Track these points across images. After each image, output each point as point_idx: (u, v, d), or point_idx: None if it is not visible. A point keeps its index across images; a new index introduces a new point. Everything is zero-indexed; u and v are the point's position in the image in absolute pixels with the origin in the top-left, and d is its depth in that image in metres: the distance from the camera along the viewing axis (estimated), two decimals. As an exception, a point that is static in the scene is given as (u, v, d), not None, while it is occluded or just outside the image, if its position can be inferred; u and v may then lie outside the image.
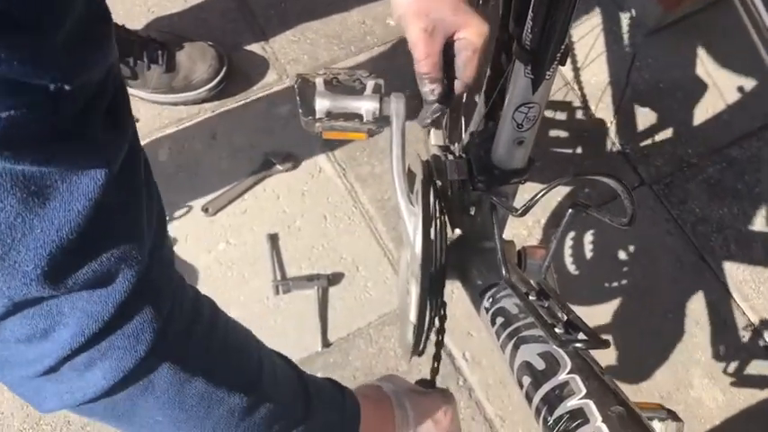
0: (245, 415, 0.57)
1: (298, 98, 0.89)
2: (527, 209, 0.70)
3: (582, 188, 1.51)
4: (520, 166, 0.87)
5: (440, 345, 0.97)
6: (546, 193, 0.68)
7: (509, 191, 0.91)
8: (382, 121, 0.90)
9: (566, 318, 0.65)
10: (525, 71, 0.75)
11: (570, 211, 0.72)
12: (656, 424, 0.70)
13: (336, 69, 0.93)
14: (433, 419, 0.81)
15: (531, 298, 0.73)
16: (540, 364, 0.62)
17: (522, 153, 0.85)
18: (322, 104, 0.88)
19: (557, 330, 0.63)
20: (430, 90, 0.87)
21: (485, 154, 0.90)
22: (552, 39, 0.70)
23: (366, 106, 0.89)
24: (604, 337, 0.74)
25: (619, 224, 0.66)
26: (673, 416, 0.71)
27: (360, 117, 0.89)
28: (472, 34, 0.84)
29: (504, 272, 0.78)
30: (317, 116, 0.88)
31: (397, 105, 0.90)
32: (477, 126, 0.96)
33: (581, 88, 1.64)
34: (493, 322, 0.77)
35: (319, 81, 0.89)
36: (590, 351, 0.63)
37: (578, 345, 0.58)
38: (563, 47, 0.72)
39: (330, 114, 0.89)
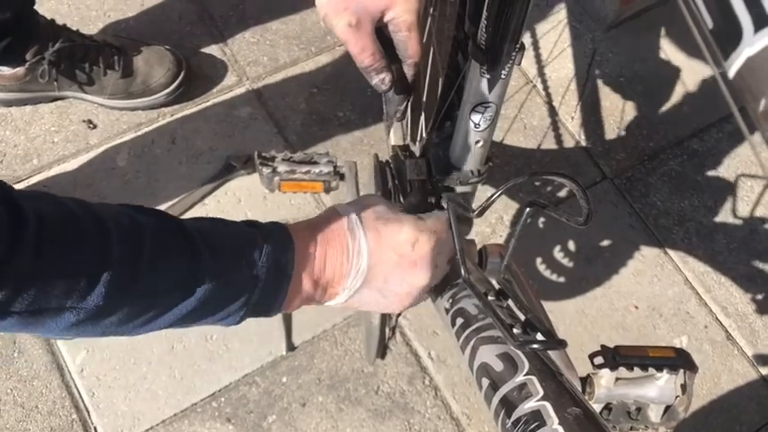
0: (86, 321, 0.51)
1: (257, 170, 0.98)
2: (483, 209, 0.70)
3: (547, 183, 1.52)
4: (478, 166, 0.87)
5: None
6: (501, 193, 0.67)
7: (468, 190, 0.91)
8: (336, 176, 0.98)
9: (524, 318, 0.65)
10: (481, 70, 0.74)
11: (528, 210, 0.72)
12: (665, 376, 0.69)
13: (292, 154, 1.03)
14: (396, 252, 0.66)
15: (489, 298, 0.73)
16: (498, 366, 0.62)
17: (480, 153, 0.85)
18: (281, 167, 0.94)
19: (515, 331, 0.63)
20: (380, 81, 0.85)
21: (443, 154, 0.90)
22: (507, 37, 0.70)
23: (321, 168, 0.98)
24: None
25: (576, 224, 0.66)
26: (685, 362, 0.69)
27: (317, 171, 0.98)
28: (401, 12, 0.80)
29: (463, 272, 0.77)
30: (276, 168, 0.95)
31: (349, 166, 1.00)
32: (436, 125, 0.95)
33: (544, 85, 1.64)
34: (453, 323, 0.76)
35: (278, 158, 0.97)
36: (548, 351, 0.63)
37: (535, 346, 0.57)
38: (518, 46, 0.72)
39: (287, 171, 0.98)
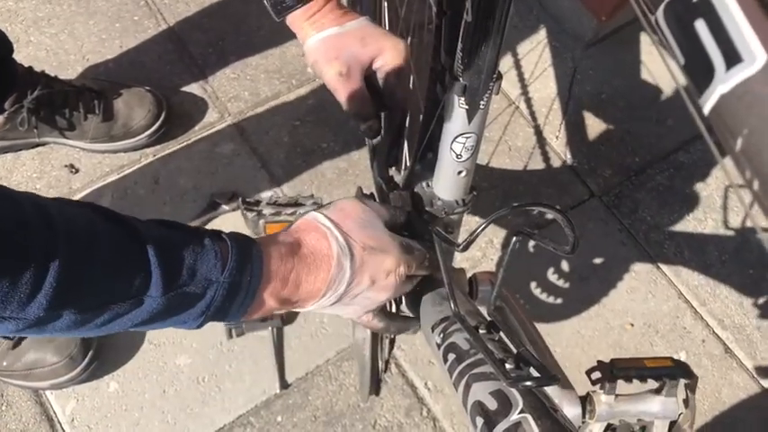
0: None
1: (242, 215, 0.97)
2: (468, 244, 0.69)
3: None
4: (463, 196, 0.86)
5: None
6: (485, 227, 0.67)
7: (454, 220, 0.90)
8: None
9: (516, 351, 0.64)
10: (459, 102, 0.74)
11: (514, 239, 0.71)
12: (666, 390, 0.68)
13: (277, 197, 1.02)
14: (372, 278, 0.66)
15: (481, 331, 0.72)
16: (491, 404, 0.60)
17: (463, 182, 0.84)
18: (266, 210, 0.94)
19: (507, 366, 0.62)
20: (367, 128, 0.87)
21: (427, 185, 0.89)
22: (483, 69, 0.69)
23: (306, 210, 0.95)
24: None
25: (563, 252, 0.65)
26: (684, 371, 0.69)
27: (302, 213, 0.98)
28: (389, 58, 0.83)
29: (452, 305, 0.76)
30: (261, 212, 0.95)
31: None
32: (418, 156, 0.95)
33: (527, 105, 1.64)
34: (445, 359, 0.75)
35: (263, 202, 0.96)
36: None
37: (528, 383, 0.56)
38: (495, 75, 0.71)
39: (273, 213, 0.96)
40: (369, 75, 0.86)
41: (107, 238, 0.51)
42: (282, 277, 0.61)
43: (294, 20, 0.85)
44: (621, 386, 0.70)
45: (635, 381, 0.70)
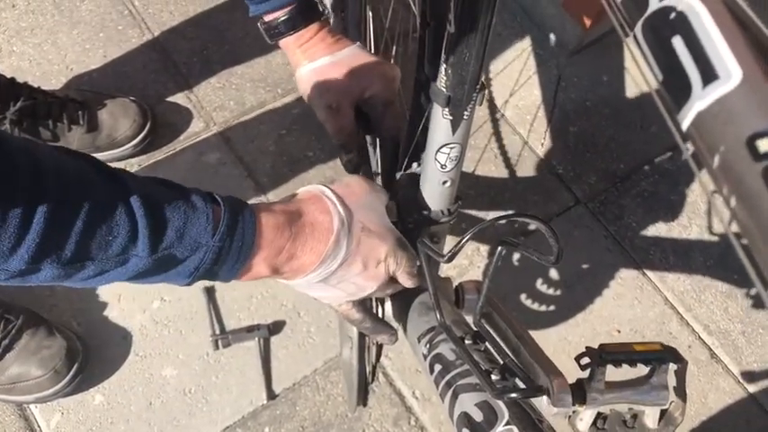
0: None
1: None
2: (453, 255, 0.69)
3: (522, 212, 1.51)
4: (448, 206, 0.86)
5: None
6: (469, 238, 0.67)
7: (439, 230, 0.90)
8: None
9: (502, 362, 0.64)
10: (443, 112, 0.74)
11: (499, 249, 0.71)
12: (656, 376, 0.68)
13: None
14: (363, 263, 0.66)
15: (467, 342, 0.72)
16: (477, 416, 0.61)
17: (448, 192, 0.84)
18: None
19: (493, 377, 0.62)
20: (347, 161, 0.89)
21: (412, 195, 0.89)
22: (467, 80, 0.69)
23: None
24: (554, 360, 0.73)
25: (547, 262, 0.65)
26: (673, 356, 0.69)
27: None
28: (379, 90, 0.85)
29: (438, 316, 0.76)
30: None
31: None
32: (404, 167, 0.95)
33: (512, 113, 1.64)
34: (431, 369, 0.75)
35: None
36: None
37: (513, 395, 0.56)
38: (479, 86, 0.71)
39: None
40: (359, 104, 0.87)
41: (96, 195, 0.50)
42: (277, 246, 0.60)
43: (287, 45, 0.87)
44: (612, 374, 0.70)
45: (624, 366, 0.70)
